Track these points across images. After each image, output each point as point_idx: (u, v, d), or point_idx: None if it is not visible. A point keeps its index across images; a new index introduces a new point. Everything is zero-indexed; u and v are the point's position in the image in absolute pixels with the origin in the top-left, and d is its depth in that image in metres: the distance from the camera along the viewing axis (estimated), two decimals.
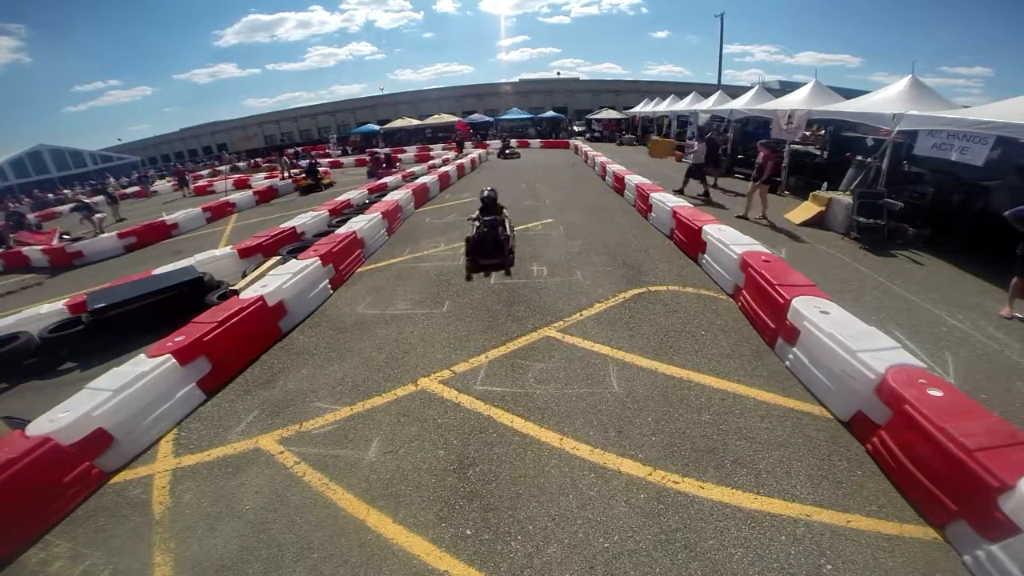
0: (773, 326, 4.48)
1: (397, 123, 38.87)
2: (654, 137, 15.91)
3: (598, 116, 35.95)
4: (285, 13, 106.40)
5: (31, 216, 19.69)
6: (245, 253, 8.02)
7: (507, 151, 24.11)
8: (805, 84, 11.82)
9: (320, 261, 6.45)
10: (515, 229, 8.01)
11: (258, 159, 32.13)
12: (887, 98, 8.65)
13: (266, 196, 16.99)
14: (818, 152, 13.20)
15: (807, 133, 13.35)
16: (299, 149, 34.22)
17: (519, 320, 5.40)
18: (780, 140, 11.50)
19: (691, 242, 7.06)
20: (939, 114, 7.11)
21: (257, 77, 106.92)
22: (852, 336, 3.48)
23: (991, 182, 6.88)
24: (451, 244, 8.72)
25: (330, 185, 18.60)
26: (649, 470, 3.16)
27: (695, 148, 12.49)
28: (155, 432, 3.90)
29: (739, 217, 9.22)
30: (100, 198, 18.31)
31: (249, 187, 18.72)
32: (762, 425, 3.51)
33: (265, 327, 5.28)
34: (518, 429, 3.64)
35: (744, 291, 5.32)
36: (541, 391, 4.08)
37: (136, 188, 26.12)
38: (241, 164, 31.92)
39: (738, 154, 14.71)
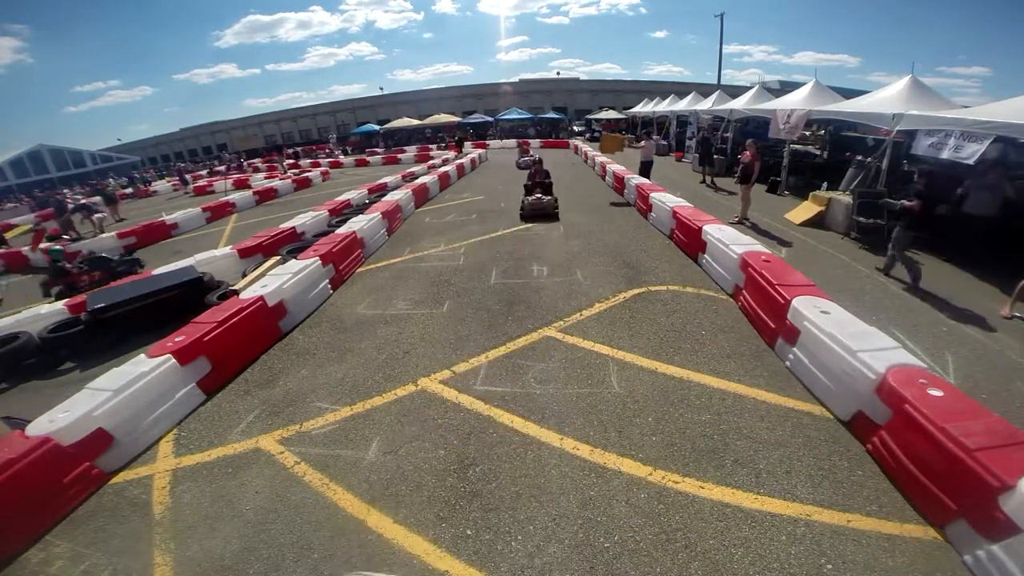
0: (773, 326, 4.48)
1: (397, 123, 38.86)
2: (605, 133, 16.34)
3: (598, 116, 35.97)
4: (285, 13, 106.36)
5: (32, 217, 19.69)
6: (245, 253, 8.01)
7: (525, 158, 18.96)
8: (805, 84, 11.82)
9: (320, 261, 6.45)
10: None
11: (257, 160, 32.13)
12: (887, 98, 8.65)
13: (266, 196, 17.00)
14: (818, 152, 13.22)
15: (807, 133, 13.37)
16: (299, 149, 34.26)
17: (519, 320, 5.40)
18: (780, 140, 11.51)
19: (691, 242, 7.06)
20: (939, 114, 7.11)
21: (257, 77, 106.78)
22: (852, 336, 3.48)
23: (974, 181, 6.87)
24: (451, 244, 8.72)
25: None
26: (649, 470, 3.16)
27: (643, 145, 12.69)
28: (155, 432, 3.89)
29: (735, 223, 8.60)
30: (97, 198, 18.31)
31: (249, 187, 18.73)
32: (762, 425, 3.51)
33: (265, 327, 5.28)
34: (518, 429, 3.64)
35: (744, 291, 5.32)
36: (541, 391, 4.08)
37: (132, 188, 26.17)
38: (234, 166, 31.94)
39: (737, 154, 14.72)
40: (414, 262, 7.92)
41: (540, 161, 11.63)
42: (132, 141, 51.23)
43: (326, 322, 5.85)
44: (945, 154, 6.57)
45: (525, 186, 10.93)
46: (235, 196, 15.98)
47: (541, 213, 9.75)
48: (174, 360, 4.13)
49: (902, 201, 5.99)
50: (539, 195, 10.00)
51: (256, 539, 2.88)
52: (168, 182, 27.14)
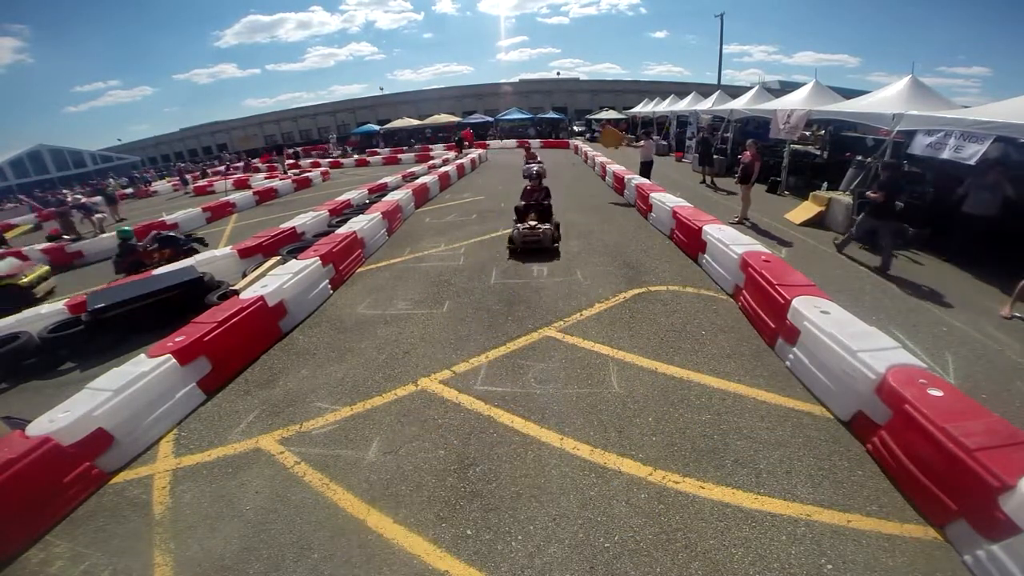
0: (773, 326, 4.48)
1: (397, 123, 38.86)
2: (606, 127, 15.91)
3: (598, 116, 35.98)
4: (285, 14, 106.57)
5: (32, 217, 19.71)
6: (245, 253, 8.02)
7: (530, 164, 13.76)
8: (805, 84, 11.82)
9: (320, 261, 6.45)
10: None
11: (256, 160, 32.20)
12: (887, 98, 8.65)
13: (266, 196, 17.01)
14: (818, 152, 13.21)
15: (807, 133, 13.37)
16: (299, 149, 34.28)
17: (519, 320, 5.40)
18: (780, 140, 11.51)
19: (691, 242, 7.06)
20: (939, 114, 7.10)
21: (257, 77, 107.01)
22: (852, 336, 3.48)
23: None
24: (451, 244, 8.72)
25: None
26: (650, 470, 3.16)
27: (642, 145, 12.74)
28: (155, 432, 3.89)
29: (735, 223, 8.61)
30: (98, 198, 18.33)
31: (249, 187, 18.75)
32: (762, 425, 3.51)
33: (265, 327, 5.28)
34: (518, 429, 3.64)
35: (744, 291, 5.32)
36: (541, 391, 4.08)
37: (133, 188, 26.30)
38: (240, 164, 32.04)
39: (738, 154, 14.72)
40: (414, 262, 7.92)
41: (540, 176, 8.74)
42: (132, 141, 51.25)
43: (326, 322, 5.85)
44: (945, 154, 6.57)
45: (517, 209, 8.45)
46: (235, 196, 15.98)
47: (536, 247, 7.60)
48: (174, 360, 4.13)
49: (867, 192, 6.70)
50: (533, 223, 7.68)
51: (256, 539, 2.88)
52: (168, 182, 27.26)
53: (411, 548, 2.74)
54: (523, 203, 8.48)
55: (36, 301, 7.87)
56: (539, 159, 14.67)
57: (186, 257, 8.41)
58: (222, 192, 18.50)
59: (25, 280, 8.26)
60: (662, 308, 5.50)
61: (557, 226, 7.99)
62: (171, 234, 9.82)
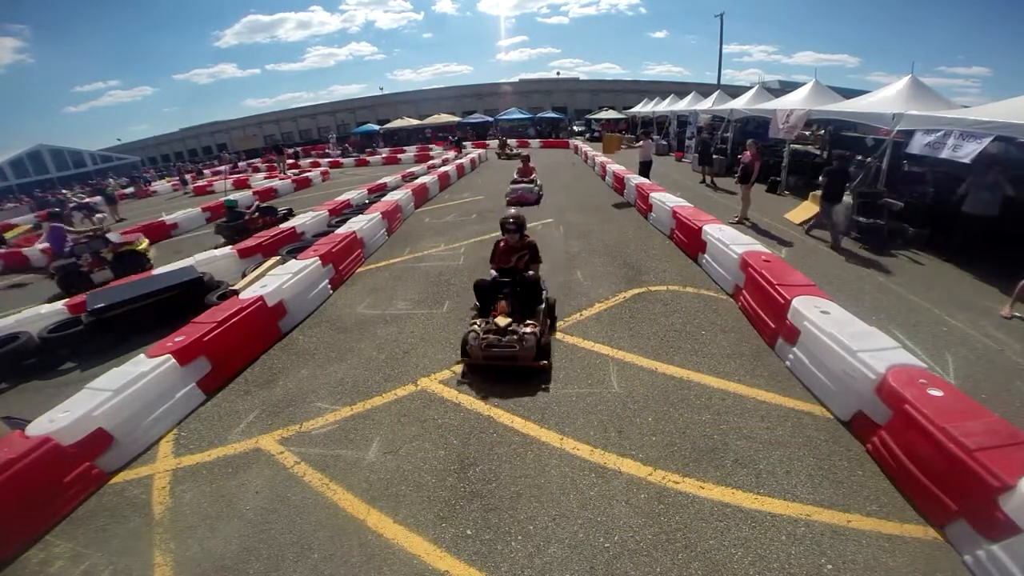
0: (773, 326, 4.48)
1: (397, 123, 38.87)
2: (606, 135, 15.90)
3: (598, 116, 36.00)
4: (285, 13, 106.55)
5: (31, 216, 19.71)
6: (245, 253, 8.02)
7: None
8: (805, 84, 11.83)
9: (320, 261, 6.45)
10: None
11: (257, 160, 32.24)
12: (887, 98, 8.65)
13: (266, 196, 16.98)
14: (818, 152, 13.21)
15: (807, 133, 13.38)
16: (298, 149, 34.28)
17: None
18: (780, 140, 11.51)
19: (691, 242, 7.06)
20: (939, 114, 7.11)
21: (257, 77, 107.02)
22: (852, 336, 3.47)
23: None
24: (451, 244, 8.72)
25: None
26: (649, 470, 3.16)
27: (641, 145, 12.85)
28: (155, 432, 3.89)
29: (735, 222, 8.57)
30: (98, 198, 18.34)
31: (248, 187, 18.74)
32: (762, 425, 3.51)
33: (265, 327, 5.28)
34: (518, 429, 3.64)
35: (744, 291, 5.32)
36: (541, 391, 4.07)
37: (134, 188, 26.35)
38: (241, 164, 32.10)
39: (738, 154, 14.72)
40: (414, 262, 7.92)
41: (521, 225, 4.73)
42: (132, 141, 51.29)
43: (326, 322, 5.84)
44: (944, 154, 6.57)
45: (478, 288, 4.58)
46: (235, 196, 15.94)
47: (507, 363, 4.09)
48: (174, 360, 4.12)
49: (821, 177, 7.66)
50: (506, 320, 4.14)
51: (256, 539, 2.87)
52: (168, 182, 27.31)
53: (411, 548, 2.74)
54: (492, 272, 4.77)
55: (149, 267, 8.57)
56: (534, 175, 10.67)
57: (280, 223, 9.80)
58: (222, 192, 18.45)
59: (141, 247, 8.95)
60: (662, 308, 5.50)
61: (552, 310, 4.82)
62: (270, 204, 12.01)
